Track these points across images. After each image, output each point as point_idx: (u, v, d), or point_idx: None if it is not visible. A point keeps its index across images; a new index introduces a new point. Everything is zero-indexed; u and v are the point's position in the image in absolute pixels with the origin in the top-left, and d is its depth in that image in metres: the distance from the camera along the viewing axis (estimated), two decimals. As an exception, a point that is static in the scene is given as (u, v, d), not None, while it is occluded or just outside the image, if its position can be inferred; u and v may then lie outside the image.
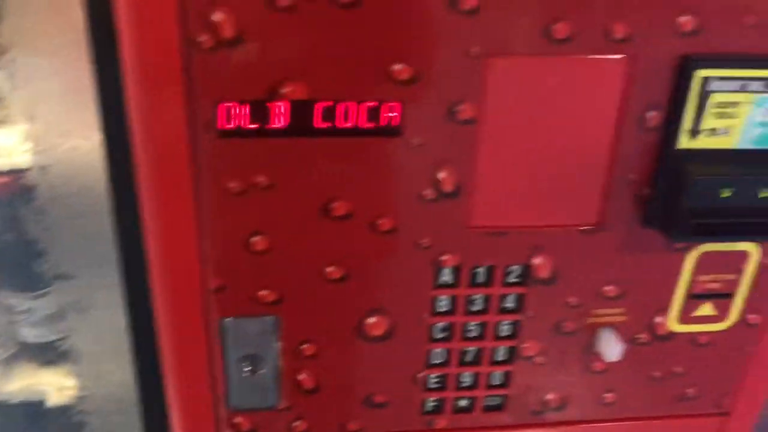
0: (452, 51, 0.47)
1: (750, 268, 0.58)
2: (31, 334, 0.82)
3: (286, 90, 0.46)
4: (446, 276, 0.54)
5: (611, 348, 0.57)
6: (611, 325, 0.58)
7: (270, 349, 0.55)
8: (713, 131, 0.51)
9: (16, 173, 0.69)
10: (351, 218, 0.51)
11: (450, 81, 0.47)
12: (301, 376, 0.57)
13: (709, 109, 0.50)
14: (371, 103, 0.47)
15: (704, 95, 0.50)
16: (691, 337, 0.60)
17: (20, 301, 0.80)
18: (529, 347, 0.58)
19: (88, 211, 0.65)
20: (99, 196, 0.62)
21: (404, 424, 0.60)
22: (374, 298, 0.54)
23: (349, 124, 0.48)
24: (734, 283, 0.58)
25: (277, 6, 0.44)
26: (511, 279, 0.55)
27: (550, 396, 0.61)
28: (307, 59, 0.46)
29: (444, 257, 0.54)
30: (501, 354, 0.59)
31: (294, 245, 0.52)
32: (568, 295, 0.56)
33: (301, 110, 0.47)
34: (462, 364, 0.59)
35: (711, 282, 0.58)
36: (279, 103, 0.47)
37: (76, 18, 0.56)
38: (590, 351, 0.59)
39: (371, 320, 0.55)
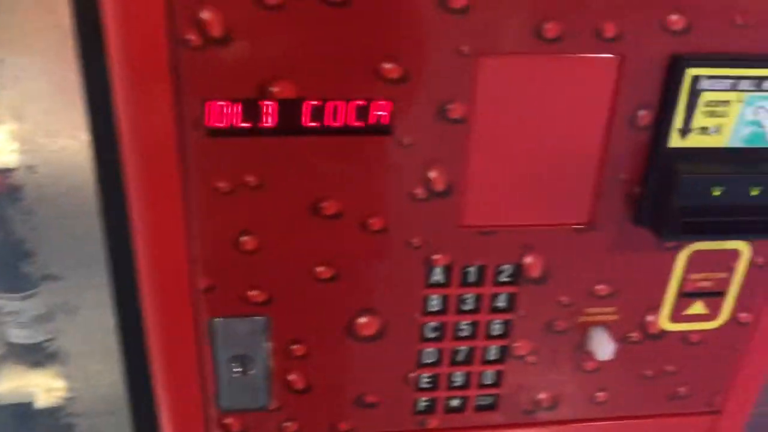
0: (442, 50, 0.46)
1: (741, 267, 0.58)
2: (19, 336, 0.82)
3: (274, 89, 0.46)
4: (437, 275, 0.54)
5: (603, 347, 0.57)
6: (603, 324, 0.58)
7: (260, 349, 0.55)
8: (704, 130, 0.51)
9: (3, 173, 0.68)
10: (341, 218, 0.51)
11: (440, 80, 0.47)
12: (292, 377, 0.56)
13: (700, 107, 0.50)
14: (361, 102, 0.47)
15: (695, 94, 0.50)
16: (683, 335, 0.60)
17: (8, 302, 0.79)
18: (520, 346, 0.58)
19: (76, 211, 0.65)
20: (87, 196, 0.62)
21: (396, 424, 0.60)
22: (365, 297, 0.54)
23: (338, 123, 0.47)
24: (725, 282, 0.58)
25: (266, 4, 0.44)
26: (503, 278, 0.55)
27: (542, 395, 0.61)
28: (296, 58, 0.45)
29: (435, 257, 0.53)
30: (493, 353, 0.58)
31: (284, 245, 0.51)
32: (560, 294, 0.56)
33: (290, 109, 0.46)
34: (453, 363, 0.58)
35: (702, 280, 0.58)
36: (268, 102, 0.46)
37: (64, 17, 0.56)
38: (582, 350, 0.59)
39: (362, 320, 0.55)
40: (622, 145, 0.51)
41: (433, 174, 0.50)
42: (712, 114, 0.50)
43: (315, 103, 0.47)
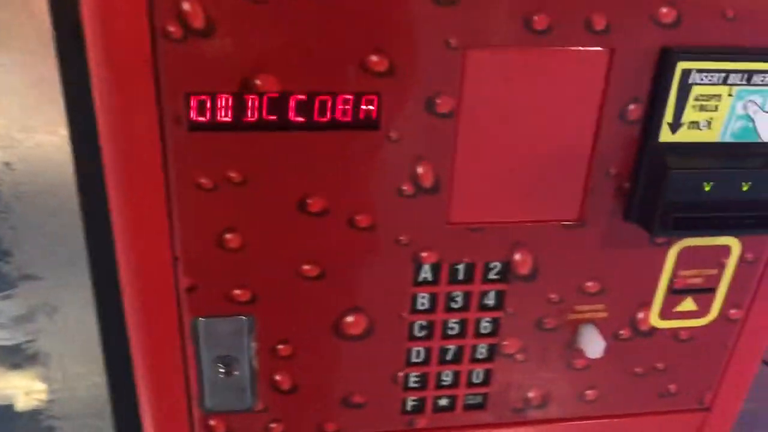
0: (431, 42, 0.46)
1: (731, 263, 0.57)
2: (-2, 337, 0.80)
3: (259, 82, 0.45)
4: (426, 273, 0.54)
5: (593, 344, 0.57)
6: (593, 321, 0.58)
7: (245, 349, 0.54)
8: (694, 124, 0.51)
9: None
10: (328, 214, 0.50)
11: (428, 73, 0.47)
12: (278, 377, 0.56)
13: (690, 101, 0.50)
14: (347, 96, 0.46)
15: (685, 88, 0.49)
16: (673, 332, 0.60)
17: (-14, 303, 0.78)
18: (509, 344, 0.58)
19: (56, 209, 0.63)
20: (67, 194, 0.61)
21: (384, 424, 0.59)
22: (352, 296, 0.53)
23: (325, 118, 0.47)
24: (715, 278, 0.58)
25: (250, -5, 0.43)
26: (492, 275, 0.55)
27: (531, 393, 0.60)
28: (280, 50, 0.44)
29: (423, 254, 0.53)
30: (482, 351, 0.58)
31: (269, 242, 0.50)
32: (549, 291, 0.56)
33: (275, 103, 0.46)
34: (442, 362, 0.58)
35: (692, 277, 0.58)
36: (252, 96, 0.45)
37: (41, 10, 0.55)
38: (572, 348, 0.58)
39: (349, 319, 0.54)
40: (611, 140, 0.51)
41: (421, 169, 0.49)
42: (702, 108, 0.50)
43: (301, 97, 0.46)
